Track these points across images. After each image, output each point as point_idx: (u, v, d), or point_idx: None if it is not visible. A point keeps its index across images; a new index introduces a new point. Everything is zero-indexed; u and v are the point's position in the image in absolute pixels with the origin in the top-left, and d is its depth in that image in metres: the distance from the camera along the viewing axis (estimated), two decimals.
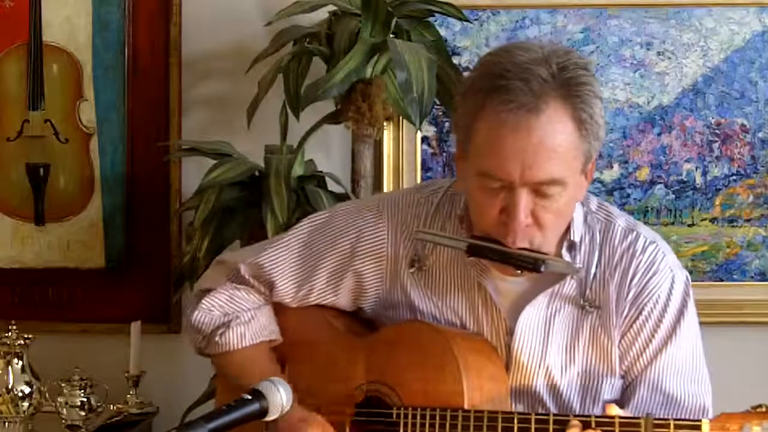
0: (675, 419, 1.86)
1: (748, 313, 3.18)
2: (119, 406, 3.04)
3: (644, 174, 3.19)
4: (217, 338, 2.22)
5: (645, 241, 2.10)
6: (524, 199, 1.93)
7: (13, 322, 2.97)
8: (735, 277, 3.20)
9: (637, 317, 2.07)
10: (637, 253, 2.08)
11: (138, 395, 3.06)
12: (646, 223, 3.05)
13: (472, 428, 1.96)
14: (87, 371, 2.99)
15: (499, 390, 2.03)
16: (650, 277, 2.07)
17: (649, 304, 2.07)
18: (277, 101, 2.93)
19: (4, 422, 2.91)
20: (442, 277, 2.13)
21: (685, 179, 3.18)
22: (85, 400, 2.95)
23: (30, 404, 2.93)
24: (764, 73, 3.17)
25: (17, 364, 2.93)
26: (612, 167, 3.19)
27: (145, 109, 3.24)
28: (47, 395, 2.96)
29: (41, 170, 3.25)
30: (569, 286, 2.08)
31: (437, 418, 1.99)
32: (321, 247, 2.20)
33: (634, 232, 2.11)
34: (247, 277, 2.23)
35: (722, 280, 3.20)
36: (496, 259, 2.00)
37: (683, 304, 2.09)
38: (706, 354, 2.14)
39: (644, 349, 2.08)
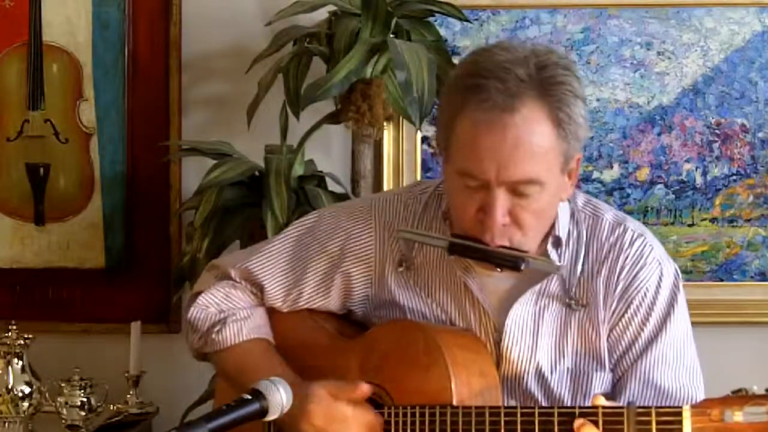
0: (656, 407, 1.84)
1: (748, 313, 3.18)
2: (119, 406, 3.04)
3: (644, 174, 3.18)
4: (213, 335, 2.20)
5: (633, 235, 2.08)
6: (501, 199, 1.93)
7: (13, 322, 2.97)
8: (735, 277, 3.20)
9: (626, 311, 2.06)
10: (625, 247, 2.07)
11: (138, 395, 3.06)
12: (645, 223, 3.06)
13: (460, 424, 1.95)
14: (87, 371, 2.99)
15: (488, 385, 2.02)
16: (638, 271, 2.06)
17: (638, 298, 2.06)
18: (277, 101, 2.93)
19: (4, 422, 2.91)
20: (430, 275, 2.12)
21: (685, 179, 3.18)
22: (85, 400, 2.95)
23: (30, 404, 2.93)
24: (764, 73, 3.16)
25: (17, 364, 2.93)
26: (612, 167, 3.19)
27: (145, 109, 3.24)
28: (47, 395, 2.96)
29: (41, 170, 3.25)
30: (554, 284, 2.07)
31: (426, 415, 1.98)
32: (310, 251, 2.19)
33: (622, 226, 2.09)
34: (238, 280, 2.24)
35: (722, 280, 3.20)
36: (476, 257, 2.00)
37: (672, 297, 2.08)
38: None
39: (633, 343, 2.06)
